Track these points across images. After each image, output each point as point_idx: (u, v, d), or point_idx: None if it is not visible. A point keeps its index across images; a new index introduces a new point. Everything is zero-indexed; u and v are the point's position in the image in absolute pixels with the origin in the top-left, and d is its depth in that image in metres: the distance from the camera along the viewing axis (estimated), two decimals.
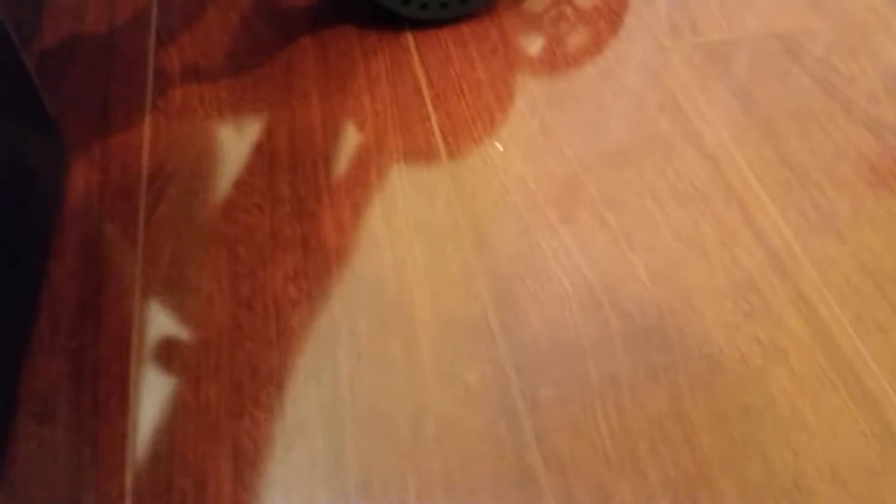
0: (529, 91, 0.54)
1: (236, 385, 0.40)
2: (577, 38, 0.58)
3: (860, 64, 0.56)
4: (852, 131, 0.51)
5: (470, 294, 0.42)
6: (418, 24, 0.58)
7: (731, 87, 0.54)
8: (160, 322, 0.42)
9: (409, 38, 0.58)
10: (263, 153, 0.50)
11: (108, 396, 0.39)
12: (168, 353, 0.41)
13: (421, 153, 0.50)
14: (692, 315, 0.42)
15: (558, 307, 0.42)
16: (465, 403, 0.39)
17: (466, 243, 0.45)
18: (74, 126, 0.51)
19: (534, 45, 0.57)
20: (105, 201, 0.47)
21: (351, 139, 0.51)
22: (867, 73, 0.55)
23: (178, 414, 0.39)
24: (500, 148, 0.50)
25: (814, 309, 0.42)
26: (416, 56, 0.56)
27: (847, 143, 0.50)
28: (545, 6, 0.60)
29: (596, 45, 0.57)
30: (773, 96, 0.53)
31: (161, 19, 0.59)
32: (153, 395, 0.39)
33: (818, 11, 0.60)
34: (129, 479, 0.37)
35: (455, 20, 0.59)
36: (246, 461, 0.37)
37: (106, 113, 0.52)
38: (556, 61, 0.56)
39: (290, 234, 0.45)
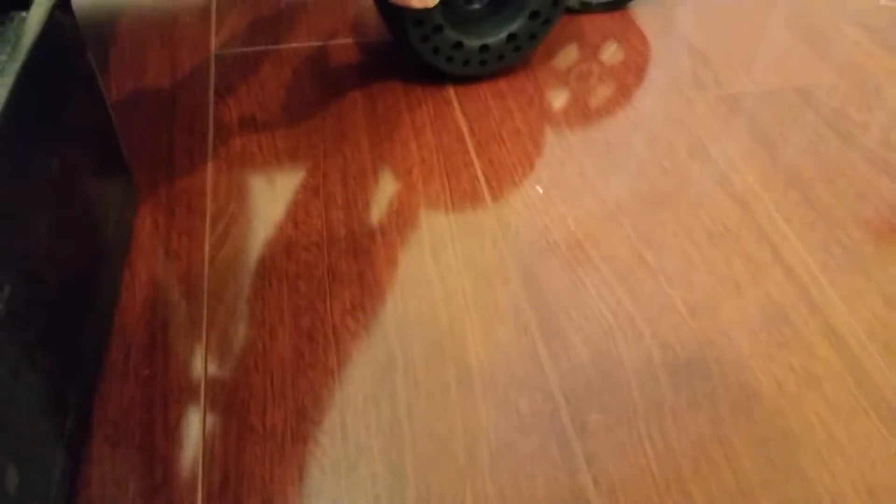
0: (565, 139, 0.58)
1: (300, 411, 0.42)
2: (606, 91, 0.62)
3: (874, 114, 0.59)
4: (872, 177, 0.54)
5: (518, 326, 0.45)
6: (459, 79, 0.62)
7: (755, 135, 0.58)
8: (227, 352, 0.44)
9: (451, 91, 0.62)
10: (319, 196, 0.53)
11: (178, 421, 0.42)
12: (235, 382, 0.43)
13: (466, 195, 0.53)
14: (729, 346, 0.44)
15: (603, 339, 0.44)
16: (517, 428, 0.41)
17: (513, 278, 0.48)
18: (142, 171, 0.55)
19: (566, 97, 0.61)
20: (171, 241, 0.51)
21: (400, 182, 0.54)
22: (881, 122, 0.59)
23: (247, 438, 0.41)
24: (541, 191, 0.54)
25: (843, 340, 0.44)
26: (458, 107, 0.60)
27: (867, 187, 0.54)
28: (574, 61, 0.65)
29: (625, 97, 0.61)
30: (795, 145, 0.57)
31: (218, 75, 0.64)
32: (222, 420, 0.42)
33: (831, 66, 0.64)
34: (200, 499, 0.39)
35: (493, 75, 0.63)
36: (311, 481, 0.39)
37: (171, 160, 0.56)
38: (588, 112, 0.60)
39: (347, 270, 0.48)
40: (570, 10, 0.69)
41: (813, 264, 0.49)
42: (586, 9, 0.69)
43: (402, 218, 0.52)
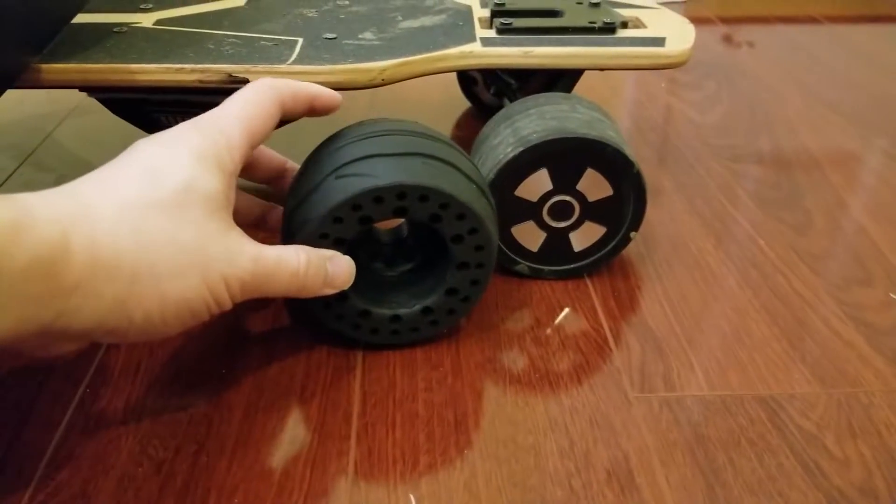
0: (466, 433, 0.48)
1: None
2: (532, 376, 0.53)
3: (857, 446, 0.47)
4: None
5: None
6: (371, 345, 0.55)
7: (696, 458, 0.46)
8: None
9: (359, 357, 0.55)
10: (160, 475, 0.46)
11: None
12: None
13: (324, 497, 0.44)
14: None
15: None
16: None
17: None
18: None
19: (485, 379, 0.53)
20: None
21: (256, 469, 0.46)
22: (865, 459, 0.46)
23: None
24: (413, 501, 0.44)
25: None
26: (359, 378, 0.53)
27: None
28: (506, 336, 0.57)
29: (552, 388, 0.52)
30: (745, 480, 0.45)
31: None
32: None
33: (812, 373, 0.53)
34: None
35: (412, 343, 0.56)
36: None
37: (31, 410, 0.51)
38: (505, 400, 0.51)
39: None
40: (520, 275, 0.62)
41: None
42: (537, 274, 0.62)
43: None
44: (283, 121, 0.51)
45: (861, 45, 1.23)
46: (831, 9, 1.41)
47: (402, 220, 0.58)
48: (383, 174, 0.48)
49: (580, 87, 0.81)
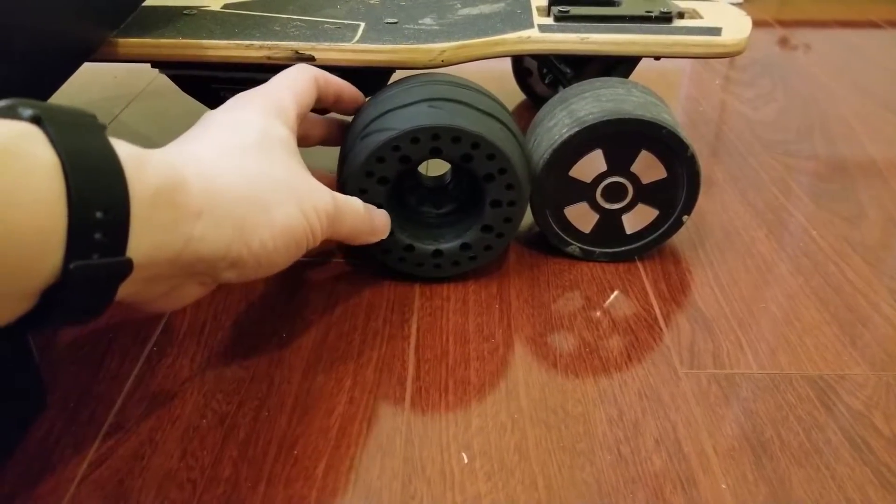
0: (517, 400, 0.50)
1: None
2: (582, 351, 0.54)
3: None
4: None
5: None
6: (424, 317, 0.57)
7: (744, 431, 0.47)
8: None
9: (413, 327, 0.57)
10: (224, 426, 0.48)
11: None
12: None
13: (378, 451, 0.46)
14: None
15: None
16: None
17: None
18: (68, 372, 0.52)
19: (535, 351, 0.54)
20: (55, 451, 0.46)
21: (314, 425, 0.48)
22: None
23: None
24: (466, 459, 0.45)
25: None
26: (413, 346, 0.55)
27: None
28: (556, 313, 0.58)
29: (601, 361, 0.53)
30: (792, 451, 0.46)
31: None
32: None
33: (862, 356, 0.53)
34: None
35: (464, 315, 0.57)
36: None
37: (101, 362, 0.53)
38: (554, 372, 0.52)
39: None
40: (572, 256, 0.63)
41: None
42: (588, 256, 0.63)
43: (296, 469, 0.45)
44: (317, 109, 0.57)
45: None
46: (893, 13, 1.39)
47: (446, 171, 0.64)
48: (444, 117, 0.53)
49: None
